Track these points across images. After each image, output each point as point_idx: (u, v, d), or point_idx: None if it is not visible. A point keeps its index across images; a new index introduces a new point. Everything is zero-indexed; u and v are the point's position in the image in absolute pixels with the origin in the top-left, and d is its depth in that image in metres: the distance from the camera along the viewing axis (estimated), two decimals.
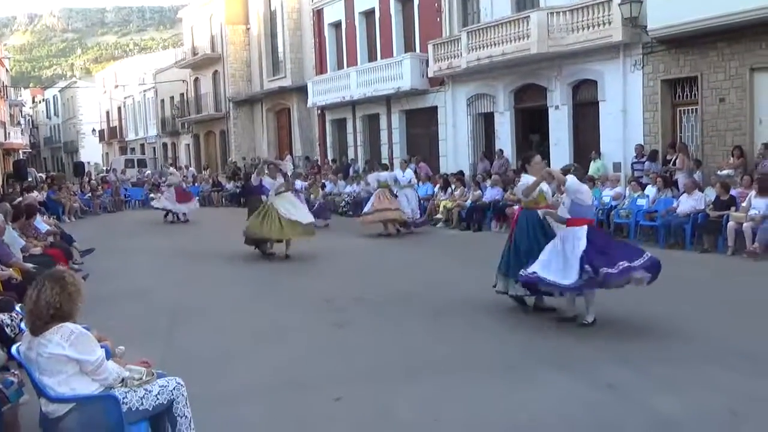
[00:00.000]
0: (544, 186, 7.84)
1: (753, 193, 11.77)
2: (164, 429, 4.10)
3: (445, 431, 4.62)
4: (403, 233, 15.69)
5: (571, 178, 7.25)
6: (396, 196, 15.65)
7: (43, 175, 31.68)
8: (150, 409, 3.91)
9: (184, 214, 21.05)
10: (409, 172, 16.62)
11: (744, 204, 11.79)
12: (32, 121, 74.63)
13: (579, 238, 7.01)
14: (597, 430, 4.55)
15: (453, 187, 18.20)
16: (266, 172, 12.72)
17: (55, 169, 60.26)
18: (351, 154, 27.10)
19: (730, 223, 11.56)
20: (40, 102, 75.64)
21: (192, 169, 35.24)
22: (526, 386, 5.42)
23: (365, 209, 16.01)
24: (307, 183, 19.77)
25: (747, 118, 14.09)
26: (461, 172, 19.66)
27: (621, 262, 6.81)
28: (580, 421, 4.71)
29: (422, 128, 24.01)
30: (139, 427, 3.91)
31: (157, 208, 21.35)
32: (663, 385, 5.34)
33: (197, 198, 23.78)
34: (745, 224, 11.28)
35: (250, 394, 5.44)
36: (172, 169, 27.54)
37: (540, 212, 7.78)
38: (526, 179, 7.81)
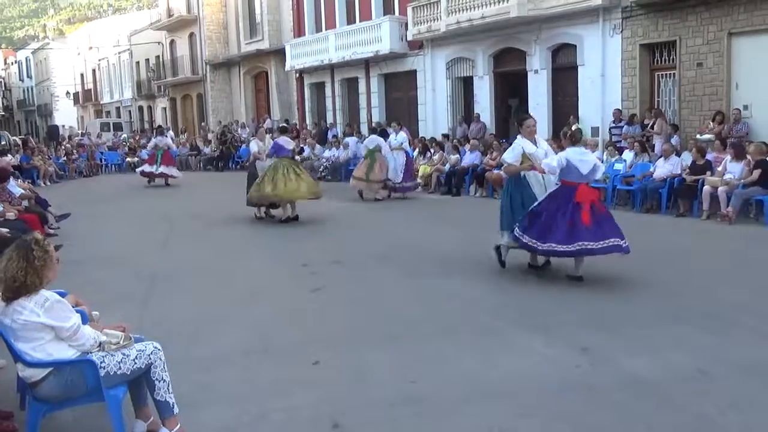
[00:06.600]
0: (531, 148, 7.84)
1: (728, 157, 11.89)
2: (143, 393, 4.14)
3: (422, 392, 4.68)
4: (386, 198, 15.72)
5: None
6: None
7: (17, 139, 31.01)
8: (128, 373, 3.92)
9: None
10: (402, 135, 16.57)
11: (719, 168, 11.93)
12: (4, 84, 73.19)
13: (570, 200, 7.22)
14: (569, 390, 4.63)
15: (432, 151, 18.19)
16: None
17: (30, 132, 59.32)
18: (330, 119, 26.91)
19: (706, 188, 11.68)
20: (12, 64, 73.97)
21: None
22: (502, 349, 5.48)
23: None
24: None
25: (724, 82, 14.18)
26: (446, 136, 19.61)
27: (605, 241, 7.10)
28: (552, 380, 4.79)
29: (401, 92, 23.89)
30: (118, 391, 3.93)
31: None
32: (635, 346, 5.45)
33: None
34: (720, 188, 11.41)
35: (228, 358, 5.47)
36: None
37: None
38: (521, 143, 7.84)
